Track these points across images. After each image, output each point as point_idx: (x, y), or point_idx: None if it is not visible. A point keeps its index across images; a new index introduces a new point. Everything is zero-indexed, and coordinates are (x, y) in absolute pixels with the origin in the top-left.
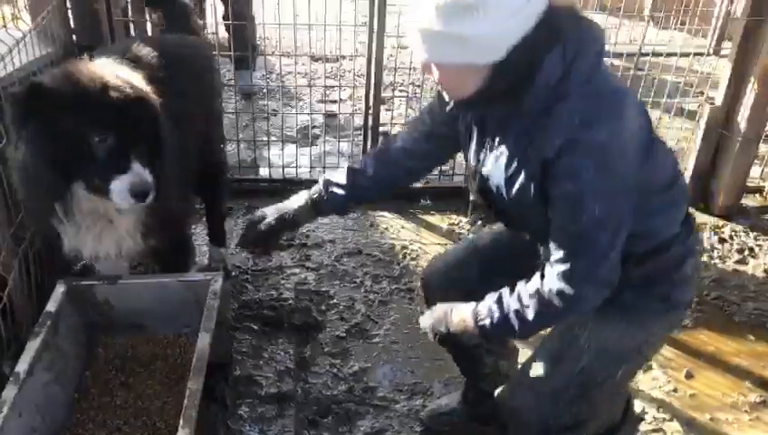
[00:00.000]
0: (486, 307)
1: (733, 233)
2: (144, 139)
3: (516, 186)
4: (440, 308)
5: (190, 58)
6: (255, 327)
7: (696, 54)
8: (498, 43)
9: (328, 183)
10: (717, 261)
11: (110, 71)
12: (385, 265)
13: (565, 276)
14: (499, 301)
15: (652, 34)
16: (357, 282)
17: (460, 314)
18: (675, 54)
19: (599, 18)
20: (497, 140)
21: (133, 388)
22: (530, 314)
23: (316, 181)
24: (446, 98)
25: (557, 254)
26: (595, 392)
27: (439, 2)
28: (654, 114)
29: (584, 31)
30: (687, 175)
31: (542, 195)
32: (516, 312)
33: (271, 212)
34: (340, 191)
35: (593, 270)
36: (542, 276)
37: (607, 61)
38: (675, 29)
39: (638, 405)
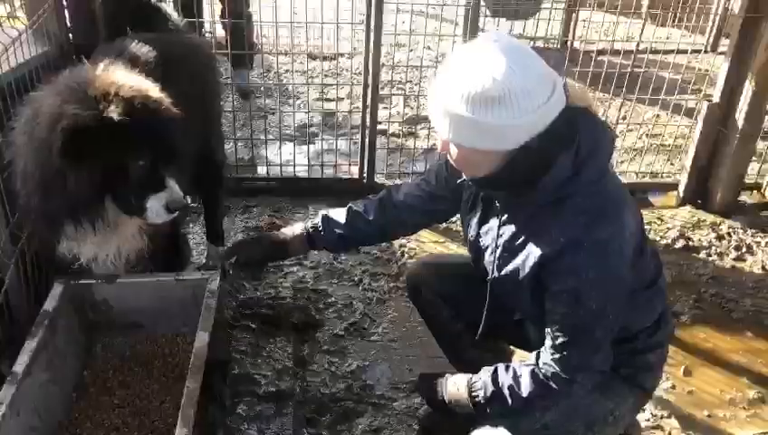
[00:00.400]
0: (481, 381)
1: (731, 230)
2: (175, 154)
3: (510, 267)
4: (436, 376)
5: (190, 57)
6: (254, 326)
7: (693, 51)
8: (517, 134)
9: (327, 219)
10: (715, 258)
11: (125, 84)
12: (383, 263)
13: (560, 363)
14: (494, 376)
15: (650, 31)
16: (355, 280)
17: (455, 384)
18: (673, 51)
19: (596, 16)
20: (502, 220)
21: (131, 387)
22: (524, 392)
23: (314, 179)
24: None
25: (554, 341)
26: None
27: (468, 90)
28: (651, 111)
29: (600, 132)
30: (686, 172)
31: (532, 283)
32: (510, 388)
33: (265, 237)
34: (337, 230)
35: (588, 360)
36: (538, 358)
37: (605, 58)
38: (673, 26)
39: None
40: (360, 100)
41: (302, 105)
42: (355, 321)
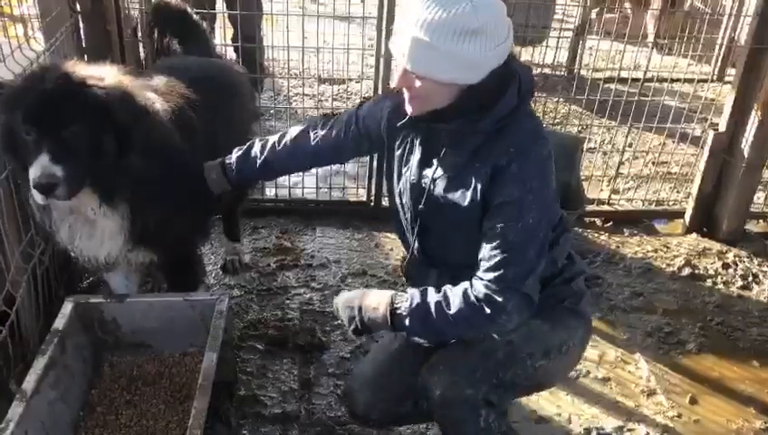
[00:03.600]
0: (407, 294)
1: (737, 259)
2: (62, 130)
3: (457, 194)
4: (357, 290)
5: (226, 79)
6: (260, 347)
7: (700, 80)
8: (483, 66)
9: (239, 158)
10: (721, 287)
11: (79, 68)
12: (389, 286)
13: (494, 283)
14: (423, 292)
15: (656, 60)
16: None
17: (377, 298)
18: (679, 80)
19: (603, 44)
20: (444, 155)
21: (138, 406)
22: (452, 310)
23: (322, 202)
24: (408, 111)
25: (488, 263)
26: (514, 367)
27: (444, 19)
28: (657, 139)
29: (528, 72)
30: (692, 200)
31: (480, 205)
32: (438, 304)
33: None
34: (253, 169)
35: (521, 281)
36: (471, 283)
37: (612, 86)
38: (679, 55)
39: (641, 430)
40: None
41: None
42: (361, 344)
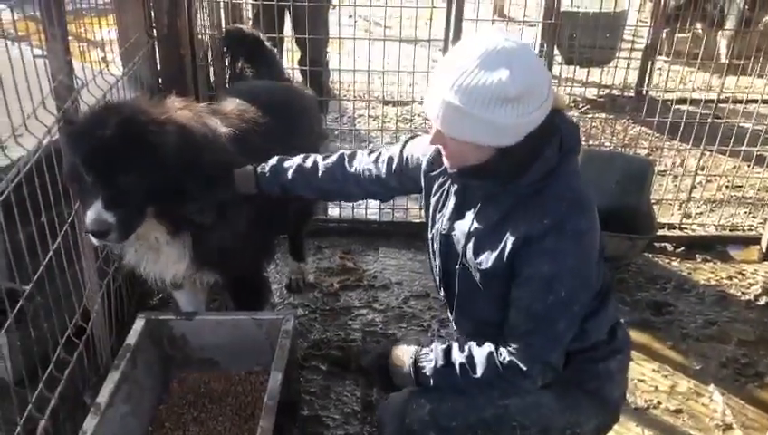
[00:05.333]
0: (432, 354)
1: None
2: (117, 177)
3: (484, 255)
4: (389, 343)
5: (300, 106)
6: (323, 367)
7: None
8: (520, 131)
9: (274, 168)
10: None
11: (142, 109)
12: None
13: (521, 352)
14: (447, 350)
15: (731, 81)
16: (424, 325)
17: (402, 351)
18: (755, 101)
19: (674, 65)
20: (477, 211)
21: (204, 423)
22: (477, 373)
23: (385, 223)
24: (445, 163)
25: (515, 331)
26: (499, 432)
27: (479, 86)
28: (732, 162)
29: (575, 129)
30: None
31: (507, 270)
32: (462, 366)
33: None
34: (280, 181)
35: (547, 352)
36: (497, 346)
37: (683, 108)
38: (755, 76)
39: None
40: None
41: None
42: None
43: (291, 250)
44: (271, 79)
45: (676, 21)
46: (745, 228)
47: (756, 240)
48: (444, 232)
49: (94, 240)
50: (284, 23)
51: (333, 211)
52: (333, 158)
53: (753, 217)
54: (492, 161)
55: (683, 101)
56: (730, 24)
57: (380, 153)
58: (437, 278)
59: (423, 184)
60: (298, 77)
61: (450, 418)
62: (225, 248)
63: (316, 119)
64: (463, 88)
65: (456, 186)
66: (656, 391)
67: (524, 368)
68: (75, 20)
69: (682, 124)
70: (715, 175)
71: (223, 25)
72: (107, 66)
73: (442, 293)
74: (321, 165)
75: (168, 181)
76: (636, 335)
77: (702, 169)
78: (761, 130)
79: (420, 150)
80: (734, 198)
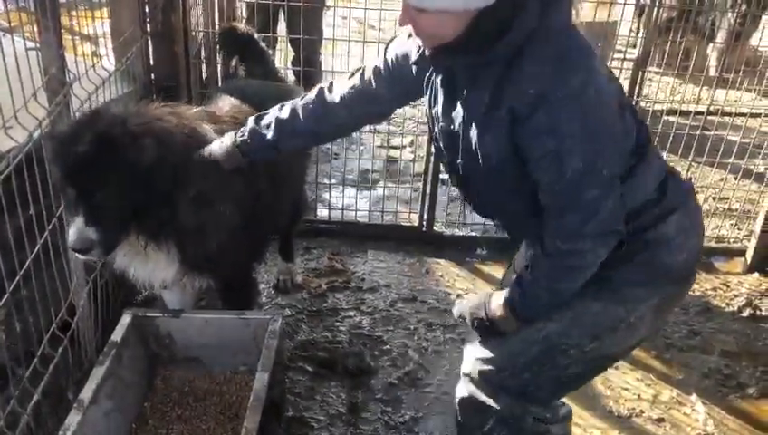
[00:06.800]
0: (511, 291)
1: None
2: (95, 193)
3: (486, 141)
4: (476, 296)
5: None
6: (309, 368)
7: (766, 115)
8: None
9: (253, 131)
10: None
11: (122, 119)
12: (439, 313)
13: (558, 234)
14: (518, 280)
15: (720, 94)
16: (411, 329)
17: (497, 301)
18: (744, 115)
19: (665, 78)
20: (466, 96)
21: (189, 422)
22: (543, 280)
23: (374, 225)
24: (420, 45)
25: (551, 212)
26: (553, 361)
27: None
28: (719, 174)
29: None
30: (754, 238)
31: (512, 155)
32: (531, 283)
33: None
34: (267, 140)
35: (583, 225)
36: (542, 241)
37: (672, 119)
38: (743, 89)
39: None
40: (422, 149)
41: (365, 151)
42: (409, 370)
43: (280, 250)
44: (264, 78)
45: (667, 33)
46: (731, 240)
47: (741, 252)
48: (443, 126)
49: (78, 256)
50: (278, 22)
51: (323, 212)
52: (311, 94)
53: (739, 230)
54: (470, 30)
55: (672, 112)
56: (720, 37)
57: (362, 69)
58: (454, 180)
59: (417, 80)
60: (291, 77)
61: (499, 370)
62: (215, 252)
63: None
64: None
65: (440, 76)
66: (639, 399)
67: (568, 247)
68: (68, 12)
69: (671, 135)
70: (702, 186)
71: (217, 23)
72: (99, 60)
73: (462, 195)
74: (300, 106)
75: (151, 195)
76: None
77: (689, 180)
78: (748, 144)
79: (405, 47)
80: (721, 210)
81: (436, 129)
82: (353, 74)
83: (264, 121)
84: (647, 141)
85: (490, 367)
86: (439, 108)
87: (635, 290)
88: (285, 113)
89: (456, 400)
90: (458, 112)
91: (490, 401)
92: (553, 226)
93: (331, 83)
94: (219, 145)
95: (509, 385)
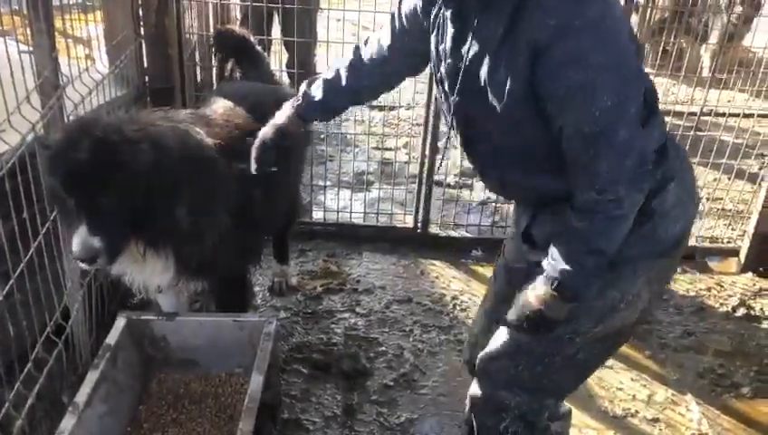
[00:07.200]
0: (549, 274)
1: None
2: (97, 200)
3: (500, 76)
4: (517, 298)
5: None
6: (305, 370)
7: (760, 115)
8: None
9: (306, 95)
10: None
11: (117, 126)
12: (434, 314)
13: (591, 184)
14: (552, 260)
15: (713, 95)
16: (406, 330)
17: (534, 292)
18: (737, 115)
19: (658, 80)
20: (477, 26)
21: (184, 425)
22: (583, 244)
23: (369, 227)
24: None
25: (578, 164)
26: (562, 352)
27: None
28: (712, 175)
29: None
30: (747, 238)
31: (529, 93)
32: (570, 254)
33: (268, 130)
34: (317, 102)
35: (617, 170)
36: (572, 203)
37: (665, 119)
38: (736, 90)
39: None
40: (417, 150)
41: (360, 153)
42: (405, 372)
43: (274, 252)
44: (259, 80)
45: (660, 34)
46: (724, 240)
47: (735, 252)
48: (449, 64)
49: (83, 265)
50: (273, 25)
51: (318, 214)
52: (349, 55)
53: (733, 230)
54: None
55: (666, 112)
56: (714, 38)
57: (382, 27)
58: (459, 133)
59: (423, 22)
60: (285, 80)
61: (504, 372)
62: (211, 255)
63: None
64: None
65: (450, 10)
66: (633, 399)
67: (602, 197)
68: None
69: None
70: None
71: (211, 26)
72: (93, 63)
73: (466, 153)
74: (343, 66)
75: (150, 200)
76: None
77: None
78: (741, 144)
79: None
80: (714, 210)
81: (442, 69)
82: (382, 29)
83: (315, 84)
84: (654, 91)
85: (503, 362)
86: (447, 44)
87: (629, 267)
88: (331, 73)
89: (469, 401)
90: (469, 46)
91: (506, 398)
92: (584, 177)
93: (367, 39)
94: (281, 112)
95: (524, 378)
